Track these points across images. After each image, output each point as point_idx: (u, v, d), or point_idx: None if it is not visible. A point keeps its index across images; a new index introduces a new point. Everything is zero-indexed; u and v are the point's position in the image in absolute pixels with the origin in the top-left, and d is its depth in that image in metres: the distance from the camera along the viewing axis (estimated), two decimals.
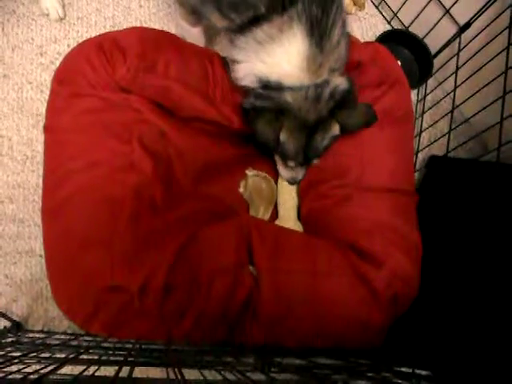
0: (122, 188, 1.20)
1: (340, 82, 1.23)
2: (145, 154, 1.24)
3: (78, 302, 1.17)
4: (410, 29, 1.85)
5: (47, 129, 1.31)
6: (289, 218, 1.49)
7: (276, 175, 1.56)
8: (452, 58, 1.68)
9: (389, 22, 1.94)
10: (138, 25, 1.79)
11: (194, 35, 1.59)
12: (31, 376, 0.76)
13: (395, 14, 1.88)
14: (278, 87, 1.21)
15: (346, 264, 1.24)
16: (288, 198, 1.52)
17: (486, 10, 1.52)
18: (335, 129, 1.27)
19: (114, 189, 1.20)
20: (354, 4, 1.90)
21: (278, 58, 1.18)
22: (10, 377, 0.77)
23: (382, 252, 1.25)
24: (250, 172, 1.53)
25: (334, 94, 1.21)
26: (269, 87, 1.22)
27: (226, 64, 1.42)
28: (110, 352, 1.08)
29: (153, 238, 1.19)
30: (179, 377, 0.73)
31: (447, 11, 1.65)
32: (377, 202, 1.32)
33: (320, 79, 1.20)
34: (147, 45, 1.32)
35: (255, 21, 1.18)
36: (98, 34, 1.39)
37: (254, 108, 1.26)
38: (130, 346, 1.13)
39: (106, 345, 1.15)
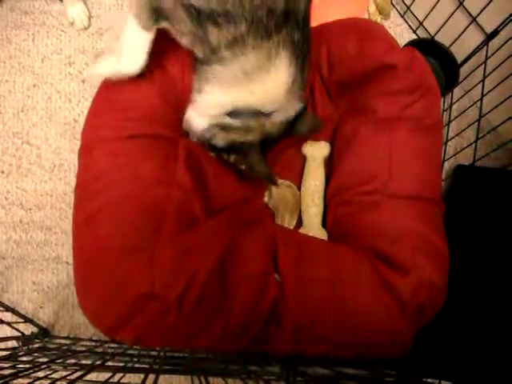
0: (164, 200, 1.22)
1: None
2: (187, 171, 1.28)
3: (108, 310, 1.18)
4: (436, 37, 1.84)
5: (87, 141, 1.33)
6: (312, 226, 1.49)
7: (299, 183, 1.56)
8: (479, 66, 1.66)
9: (414, 31, 1.93)
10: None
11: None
12: (58, 382, 0.77)
13: (421, 23, 1.87)
14: (256, 113, 1.18)
15: (372, 271, 1.23)
16: (311, 205, 1.51)
17: None
18: None
19: (155, 201, 1.22)
20: (380, 13, 1.90)
21: (267, 86, 1.15)
22: (37, 382, 0.78)
23: (409, 260, 1.23)
24: None
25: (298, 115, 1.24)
26: (240, 114, 1.18)
27: None
28: (135, 359, 1.09)
29: (192, 249, 1.19)
30: None
31: (474, 19, 1.63)
32: (404, 209, 1.30)
33: (300, 103, 1.22)
34: None
35: (234, 44, 1.11)
36: None
37: (234, 145, 1.24)
38: (155, 353, 1.14)
39: (131, 352, 1.16)
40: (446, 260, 1.29)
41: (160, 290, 1.13)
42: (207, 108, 1.21)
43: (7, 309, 1.46)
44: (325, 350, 1.18)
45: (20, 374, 0.81)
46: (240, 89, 1.14)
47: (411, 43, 1.84)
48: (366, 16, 1.92)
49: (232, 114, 1.17)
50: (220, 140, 1.22)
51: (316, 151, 1.54)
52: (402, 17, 1.94)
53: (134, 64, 1.27)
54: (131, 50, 1.26)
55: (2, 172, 1.64)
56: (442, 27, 1.78)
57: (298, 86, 1.17)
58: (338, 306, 1.18)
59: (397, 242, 1.26)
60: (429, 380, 1.04)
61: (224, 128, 1.20)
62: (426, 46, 1.82)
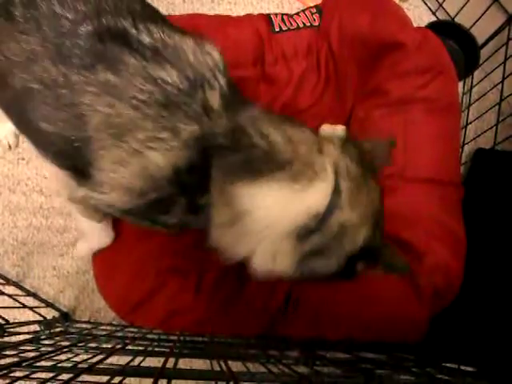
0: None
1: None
2: None
3: (127, 293, 1.20)
4: (456, 19, 1.81)
5: None
6: None
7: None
8: (500, 48, 1.64)
9: (434, 13, 1.90)
10: None
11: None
12: (80, 365, 0.78)
13: (440, 5, 1.84)
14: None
15: None
16: None
17: None
18: None
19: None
20: None
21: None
22: (59, 365, 0.79)
23: (424, 244, 1.23)
24: None
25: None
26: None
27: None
28: (155, 343, 1.10)
29: None
30: (224, 368, 0.73)
31: (495, 0, 1.60)
32: (421, 194, 1.30)
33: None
34: None
35: None
36: None
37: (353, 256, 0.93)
38: (175, 337, 1.15)
39: (150, 336, 1.17)
40: (463, 244, 1.28)
41: (181, 263, 1.15)
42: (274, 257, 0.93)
43: (29, 294, 1.48)
44: (341, 333, 1.18)
45: (43, 357, 0.83)
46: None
47: (431, 25, 1.82)
48: None
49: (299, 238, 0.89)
50: (326, 266, 0.93)
51: (334, 135, 1.54)
52: None
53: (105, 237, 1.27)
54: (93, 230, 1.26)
55: (23, 159, 1.65)
56: (462, 8, 1.75)
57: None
58: (355, 290, 1.18)
59: (412, 227, 1.26)
60: (448, 365, 1.03)
61: (314, 253, 0.91)
62: (446, 28, 1.80)
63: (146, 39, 0.87)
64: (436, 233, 1.26)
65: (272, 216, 0.87)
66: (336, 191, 0.88)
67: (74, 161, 0.93)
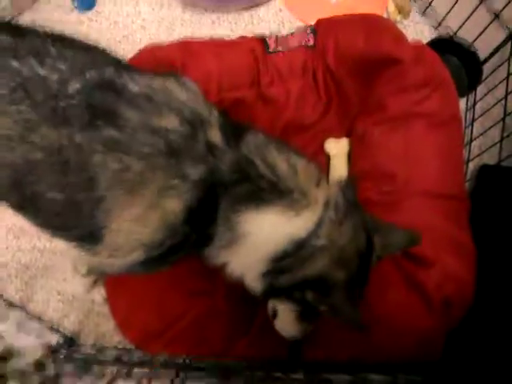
0: None
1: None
2: None
3: (150, 325, 1.22)
4: (458, 34, 1.81)
5: None
6: None
7: (326, 174, 1.56)
8: (503, 63, 1.63)
9: (436, 29, 1.90)
10: None
11: None
12: None
13: (440, 22, 1.85)
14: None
15: (395, 268, 1.23)
16: None
17: None
18: None
19: None
20: (399, 12, 1.88)
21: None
22: None
23: (432, 253, 1.22)
24: None
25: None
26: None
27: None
28: (161, 367, 1.09)
29: None
30: None
31: (496, 16, 1.61)
32: (425, 207, 1.30)
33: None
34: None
35: None
36: None
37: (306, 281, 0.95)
38: (180, 360, 1.14)
39: (156, 359, 1.16)
40: (472, 254, 1.27)
41: (205, 285, 1.16)
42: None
43: (33, 318, 1.47)
44: (352, 354, 1.17)
45: (47, 383, 0.82)
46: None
47: (432, 42, 1.82)
48: (385, 16, 1.90)
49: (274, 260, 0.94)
50: (283, 280, 0.96)
51: (340, 148, 1.55)
52: (423, 15, 1.92)
53: None
54: None
55: None
56: (463, 25, 1.75)
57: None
58: (365, 308, 1.17)
59: None
60: None
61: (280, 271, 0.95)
62: (448, 45, 1.80)
63: (134, 87, 0.86)
64: (443, 243, 1.25)
65: (262, 238, 0.91)
66: (320, 222, 0.92)
67: (83, 228, 0.91)
